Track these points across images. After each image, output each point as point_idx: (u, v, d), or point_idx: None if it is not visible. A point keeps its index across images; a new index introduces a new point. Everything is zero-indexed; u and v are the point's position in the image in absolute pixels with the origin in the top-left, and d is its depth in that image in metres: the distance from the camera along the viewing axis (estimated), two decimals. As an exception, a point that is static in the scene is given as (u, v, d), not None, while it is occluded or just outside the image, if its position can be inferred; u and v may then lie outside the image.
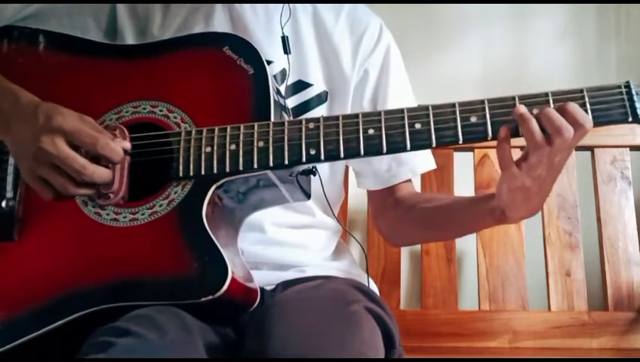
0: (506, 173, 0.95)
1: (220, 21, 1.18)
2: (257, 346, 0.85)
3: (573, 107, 0.90)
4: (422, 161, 1.28)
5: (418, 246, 1.77)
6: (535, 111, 0.91)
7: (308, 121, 0.98)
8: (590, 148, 1.75)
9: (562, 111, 0.90)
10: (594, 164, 1.75)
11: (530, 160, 0.92)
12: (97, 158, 0.97)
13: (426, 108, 0.96)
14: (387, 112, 0.97)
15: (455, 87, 2.09)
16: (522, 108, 0.91)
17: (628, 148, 1.75)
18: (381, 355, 0.93)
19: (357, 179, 1.32)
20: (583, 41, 2.16)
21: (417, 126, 0.95)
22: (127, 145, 1.00)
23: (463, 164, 1.78)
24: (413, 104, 1.26)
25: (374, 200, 1.33)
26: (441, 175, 1.74)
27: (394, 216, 1.27)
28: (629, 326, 1.62)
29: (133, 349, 0.79)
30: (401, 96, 1.26)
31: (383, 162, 1.24)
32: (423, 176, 1.73)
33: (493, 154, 1.74)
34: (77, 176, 0.95)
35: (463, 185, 1.76)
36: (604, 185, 1.73)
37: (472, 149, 1.77)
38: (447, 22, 2.18)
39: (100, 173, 0.97)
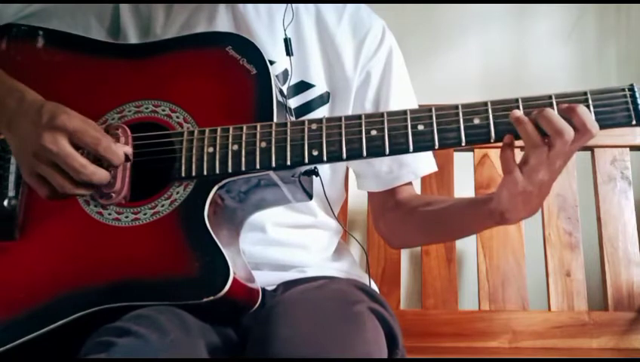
0: (508, 177, 0.95)
1: (222, 21, 1.17)
2: (261, 347, 0.85)
3: (584, 110, 0.89)
4: (423, 163, 1.27)
5: (418, 247, 1.77)
6: (535, 112, 0.90)
7: (310, 121, 0.98)
8: (590, 148, 1.75)
9: (570, 112, 0.89)
10: (594, 164, 1.75)
11: (530, 162, 0.92)
12: (98, 160, 0.97)
13: (429, 109, 0.95)
14: (390, 113, 0.96)
15: (455, 87, 2.09)
16: (518, 112, 0.91)
17: (628, 148, 1.75)
18: (385, 355, 0.94)
19: (357, 181, 1.31)
20: (583, 41, 2.16)
21: (420, 127, 0.95)
22: (129, 150, 0.99)
23: (463, 164, 1.78)
24: (416, 106, 1.26)
25: (374, 202, 1.32)
26: (441, 175, 1.73)
27: (394, 219, 1.26)
28: (629, 326, 1.63)
29: (133, 349, 0.79)
30: (403, 98, 1.25)
31: (384, 164, 1.23)
32: (423, 176, 1.73)
33: (493, 154, 1.74)
34: (75, 174, 0.95)
35: (463, 185, 1.76)
36: (604, 185, 1.73)
37: (472, 149, 1.77)
38: (447, 22, 2.18)
39: (100, 174, 0.96)
